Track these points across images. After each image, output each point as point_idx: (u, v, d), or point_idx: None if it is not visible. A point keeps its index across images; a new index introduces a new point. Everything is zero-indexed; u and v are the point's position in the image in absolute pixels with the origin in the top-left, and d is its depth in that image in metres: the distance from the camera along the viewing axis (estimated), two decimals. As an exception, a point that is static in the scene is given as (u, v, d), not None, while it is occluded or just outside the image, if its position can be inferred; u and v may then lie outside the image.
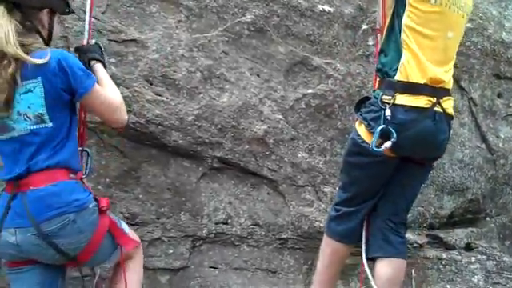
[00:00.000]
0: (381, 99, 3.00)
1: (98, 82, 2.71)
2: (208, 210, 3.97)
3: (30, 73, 2.48)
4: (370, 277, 3.31)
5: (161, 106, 3.73)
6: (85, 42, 3.13)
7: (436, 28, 3.03)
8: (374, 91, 3.18)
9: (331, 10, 4.21)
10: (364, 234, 3.38)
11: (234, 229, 4.02)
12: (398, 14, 3.09)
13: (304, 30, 4.14)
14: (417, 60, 3.00)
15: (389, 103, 2.96)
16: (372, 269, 3.31)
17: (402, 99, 2.97)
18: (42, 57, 2.48)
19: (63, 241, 2.53)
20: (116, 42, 3.62)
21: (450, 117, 3.20)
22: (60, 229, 2.50)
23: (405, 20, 3.02)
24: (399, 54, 3.04)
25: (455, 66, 4.50)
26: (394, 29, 3.12)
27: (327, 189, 4.19)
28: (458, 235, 4.53)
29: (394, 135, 2.89)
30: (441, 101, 3.06)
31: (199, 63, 3.85)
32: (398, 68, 3.03)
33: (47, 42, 2.72)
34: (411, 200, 3.43)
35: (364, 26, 4.26)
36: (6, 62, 2.44)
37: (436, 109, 3.04)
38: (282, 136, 4.06)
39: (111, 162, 3.75)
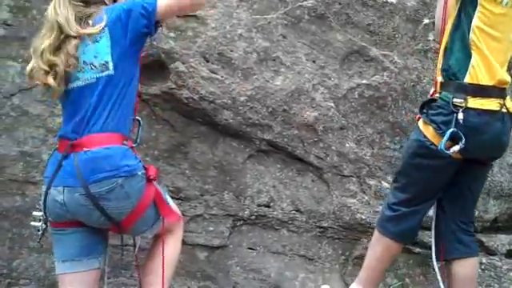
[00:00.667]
0: (452, 102, 2.96)
1: None
2: (251, 191, 3.98)
3: (97, 24, 2.60)
4: (438, 277, 3.40)
5: (215, 84, 3.75)
6: None
7: (503, 30, 2.99)
8: (441, 93, 3.11)
9: (394, 1, 4.13)
10: (433, 235, 3.43)
11: (275, 212, 4.02)
12: (466, 13, 3.02)
13: (364, 19, 4.08)
14: (486, 62, 2.96)
15: (461, 106, 2.92)
16: (447, 269, 3.42)
17: (475, 102, 2.94)
18: (100, 21, 2.61)
19: (109, 204, 2.58)
20: (177, 16, 3.63)
21: None
22: (108, 192, 2.55)
23: (475, 21, 2.96)
24: (466, 55, 2.99)
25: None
26: (460, 28, 3.05)
27: (372, 181, 4.14)
28: (501, 241, 4.43)
29: (463, 140, 2.88)
30: (505, 101, 3.05)
31: (256, 44, 3.84)
32: (467, 70, 2.99)
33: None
34: (477, 198, 3.53)
35: (426, 21, 4.17)
36: (66, 40, 2.58)
37: (503, 110, 3.02)
38: (331, 124, 4.03)
39: (161, 135, 3.80)
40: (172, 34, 3.64)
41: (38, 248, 3.53)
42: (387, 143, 4.16)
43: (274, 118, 3.91)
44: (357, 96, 4.09)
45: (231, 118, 3.81)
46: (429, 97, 3.27)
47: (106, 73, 2.60)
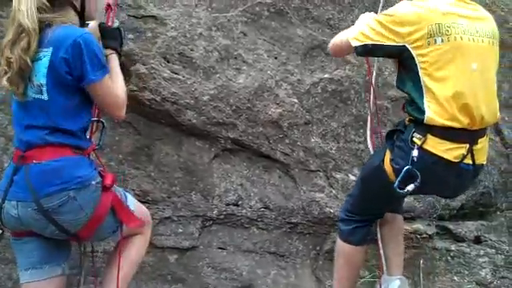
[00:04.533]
0: (411, 138, 2.82)
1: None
2: (219, 190, 3.96)
3: (47, 41, 2.47)
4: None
5: (177, 84, 3.71)
6: (110, 23, 3.11)
7: (455, 66, 2.75)
8: (408, 125, 2.93)
9: (352, -6, 4.17)
10: None
11: (244, 211, 4.01)
12: (408, 67, 2.84)
13: (324, 13, 4.10)
14: (449, 104, 2.73)
15: (418, 144, 2.78)
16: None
17: (433, 144, 2.77)
18: (52, 43, 2.47)
19: (63, 217, 2.51)
20: (135, 17, 3.59)
21: (481, 166, 2.96)
22: (60, 205, 2.47)
23: (421, 73, 2.77)
24: (422, 97, 2.79)
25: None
26: (409, 80, 2.87)
27: (339, 175, 4.16)
28: (468, 228, 4.50)
29: (418, 179, 2.75)
30: (474, 148, 2.81)
31: (217, 43, 3.82)
32: (426, 108, 2.77)
33: (81, 16, 2.71)
34: None
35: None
36: (23, 35, 2.44)
37: (465, 161, 2.81)
38: (296, 120, 4.03)
39: (125, 139, 3.75)
40: (131, 36, 3.58)
41: (4, 259, 3.47)
42: (352, 136, 4.19)
43: (238, 116, 3.89)
44: (320, 90, 4.10)
45: (195, 118, 3.78)
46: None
47: (40, 96, 2.48)
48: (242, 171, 4.04)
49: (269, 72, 3.95)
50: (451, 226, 4.48)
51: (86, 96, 2.61)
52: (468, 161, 2.81)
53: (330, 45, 3.22)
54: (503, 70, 4.61)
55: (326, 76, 4.10)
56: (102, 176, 2.67)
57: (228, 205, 3.98)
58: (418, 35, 2.73)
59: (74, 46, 2.45)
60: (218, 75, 3.82)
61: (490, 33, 2.89)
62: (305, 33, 4.05)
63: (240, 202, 4.01)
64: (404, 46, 2.77)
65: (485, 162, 2.99)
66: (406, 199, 3.99)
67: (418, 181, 2.75)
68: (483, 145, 2.91)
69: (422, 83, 2.76)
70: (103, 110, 2.84)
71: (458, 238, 4.46)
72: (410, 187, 2.77)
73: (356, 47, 2.91)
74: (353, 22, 4.00)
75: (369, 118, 3.62)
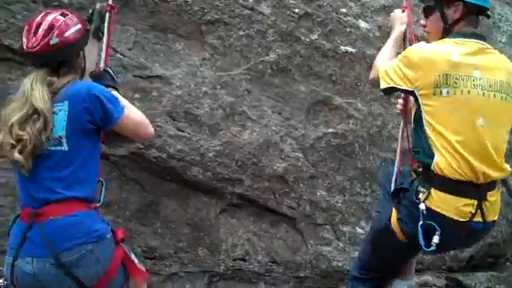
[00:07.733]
0: (415, 191, 2.65)
1: None
2: (226, 246, 3.98)
3: (61, 96, 2.56)
4: None
5: (182, 142, 3.78)
6: (101, 66, 3.18)
7: (459, 120, 2.58)
8: (413, 180, 2.75)
9: (353, 50, 4.26)
10: None
11: (251, 266, 4.01)
12: (418, 111, 2.72)
13: (326, 69, 4.18)
14: (452, 156, 2.55)
15: (422, 200, 2.59)
16: None
17: (437, 203, 2.58)
18: (65, 98, 2.56)
19: (81, 271, 2.53)
20: (141, 77, 3.69)
21: (492, 223, 2.72)
22: (78, 259, 2.51)
23: (425, 119, 2.64)
24: (430, 151, 2.62)
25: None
26: (419, 125, 2.71)
27: (346, 228, 4.18)
28: (478, 279, 4.46)
29: (438, 228, 2.51)
30: (483, 204, 2.59)
31: (222, 100, 3.91)
32: (433, 161, 2.59)
33: (82, 74, 2.83)
34: None
35: (386, 67, 4.28)
36: (36, 116, 2.51)
37: (475, 219, 2.59)
38: (301, 174, 4.08)
39: (132, 196, 3.79)
40: (137, 95, 3.67)
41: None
42: (358, 189, 4.22)
43: (243, 172, 3.94)
44: (324, 145, 4.15)
45: (201, 174, 3.84)
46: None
47: (60, 147, 2.55)
48: (249, 226, 4.06)
49: (273, 128, 4.02)
50: (461, 278, 4.45)
51: (95, 146, 2.71)
52: (478, 218, 2.59)
53: (371, 76, 3.05)
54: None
55: (330, 130, 4.16)
56: (112, 231, 2.72)
57: (235, 260, 3.99)
58: (424, 83, 2.60)
59: (91, 96, 2.56)
60: (223, 132, 3.89)
61: (505, 87, 2.66)
62: (308, 89, 4.13)
63: (247, 257, 4.01)
64: (413, 91, 2.65)
65: (496, 218, 2.73)
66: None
67: (439, 231, 2.52)
68: (495, 199, 2.67)
69: (426, 133, 2.62)
70: (136, 137, 3.18)
71: (469, 290, 4.43)
72: (436, 239, 2.52)
73: (382, 89, 2.82)
74: (355, 77, 4.15)
75: (400, 138, 3.37)
